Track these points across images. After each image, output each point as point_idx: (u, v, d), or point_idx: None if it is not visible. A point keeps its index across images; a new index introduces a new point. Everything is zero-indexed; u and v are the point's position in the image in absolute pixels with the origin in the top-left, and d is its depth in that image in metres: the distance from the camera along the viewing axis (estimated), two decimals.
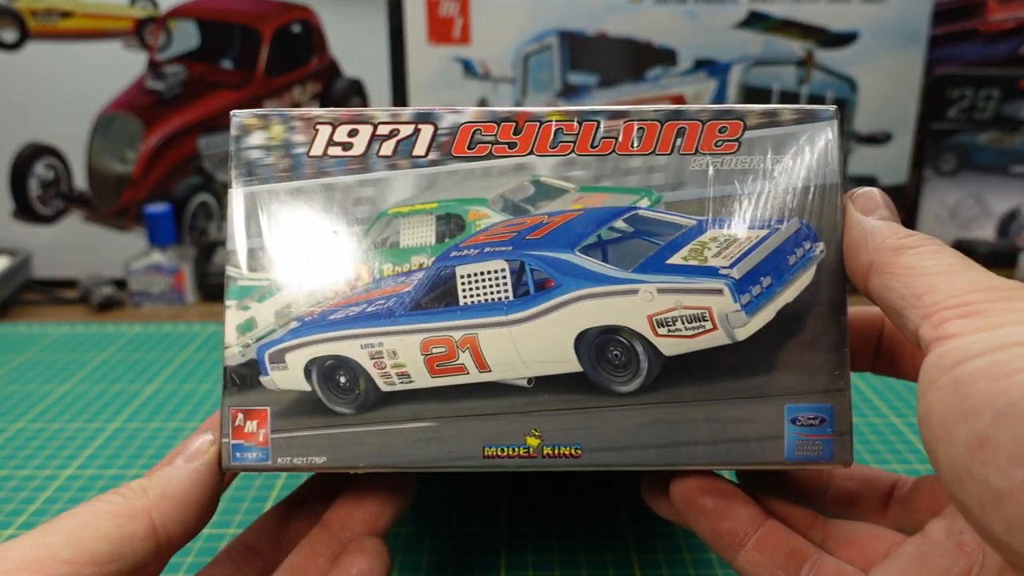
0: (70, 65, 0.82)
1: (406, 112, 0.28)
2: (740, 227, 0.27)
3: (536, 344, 0.27)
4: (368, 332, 0.28)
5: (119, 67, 0.82)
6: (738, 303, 0.26)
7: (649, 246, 0.27)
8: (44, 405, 0.56)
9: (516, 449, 0.27)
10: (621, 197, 0.27)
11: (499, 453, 0.27)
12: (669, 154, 0.27)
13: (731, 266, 0.26)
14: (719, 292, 0.26)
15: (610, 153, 0.27)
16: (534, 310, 0.27)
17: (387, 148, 0.28)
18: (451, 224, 0.28)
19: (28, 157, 0.84)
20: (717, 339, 0.26)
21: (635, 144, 0.27)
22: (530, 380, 0.27)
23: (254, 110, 0.29)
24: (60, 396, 0.58)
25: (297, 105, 0.85)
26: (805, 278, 0.26)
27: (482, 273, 0.27)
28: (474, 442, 0.27)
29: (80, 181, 0.85)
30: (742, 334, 0.26)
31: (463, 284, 0.28)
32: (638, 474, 0.31)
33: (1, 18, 0.80)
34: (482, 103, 0.84)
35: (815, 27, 0.81)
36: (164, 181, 0.85)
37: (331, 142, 0.28)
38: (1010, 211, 0.88)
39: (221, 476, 0.28)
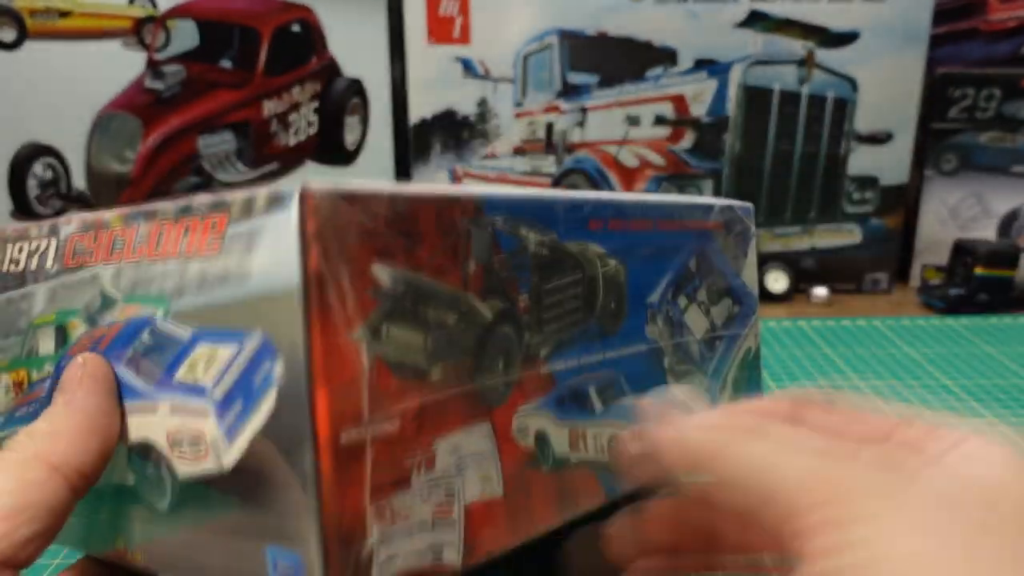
0: (69, 65, 0.82)
1: (46, 225, 0.29)
2: (221, 341, 0.23)
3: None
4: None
5: (118, 67, 0.82)
6: (221, 427, 0.23)
7: (164, 360, 0.25)
8: None
9: (111, 548, 0.27)
10: (145, 307, 0.26)
11: (103, 549, 0.28)
12: (177, 257, 0.25)
13: (215, 386, 0.23)
14: (206, 415, 0.23)
15: (141, 259, 0.26)
16: None
17: (34, 263, 0.30)
18: (62, 334, 0.29)
19: (27, 157, 0.84)
20: (211, 465, 0.23)
21: (157, 248, 0.25)
22: (113, 487, 0.27)
23: None
24: None
25: (297, 105, 0.85)
26: (270, 403, 0.22)
27: None
28: (97, 534, 0.28)
29: (79, 181, 0.85)
30: (227, 462, 0.23)
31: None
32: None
33: None
34: (482, 103, 0.83)
35: (816, 26, 0.81)
36: (163, 181, 0.85)
37: (10, 259, 0.30)
38: (1011, 211, 0.88)
39: (111, 386, 0.26)
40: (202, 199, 0.24)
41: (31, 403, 0.29)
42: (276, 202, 0.22)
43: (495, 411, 0.26)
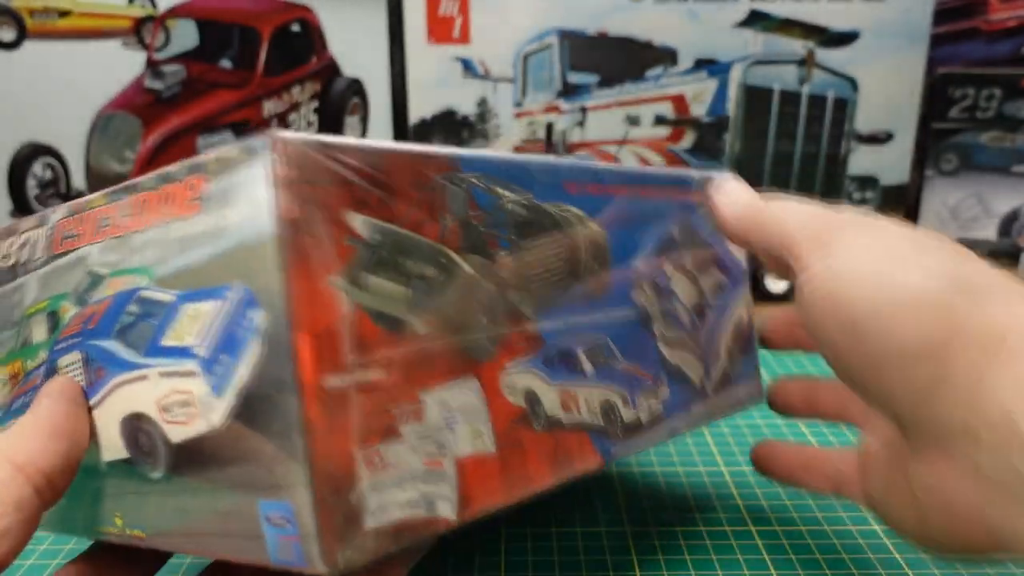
0: (68, 64, 0.82)
1: (35, 217, 0.30)
2: (204, 299, 0.23)
3: (101, 432, 0.27)
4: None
5: (118, 66, 0.82)
6: (209, 384, 0.23)
7: (151, 327, 0.25)
8: None
9: (110, 528, 0.28)
10: (132, 279, 0.26)
11: (103, 531, 0.28)
12: (159, 224, 0.25)
13: (200, 344, 0.23)
14: (194, 374, 0.23)
15: (126, 233, 0.26)
16: (93, 400, 0.27)
17: (24, 255, 0.30)
18: (54, 319, 0.29)
19: (26, 157, 0.84)
20: (203, 425, 0.24)
21: (140, 219, 0.25)
22: (107, 465, 0.27)
23: None
24: None
25: (296, 104, 0.85)
26: (254, 352, 0.22)
27: (70, 365, 0.28)
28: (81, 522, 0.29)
29: (79, 181, 0.85)
30: (216, 419, 0.23)
31: (64, 375, 0.28)
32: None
33: None
34: (482, 103, 0.83)
35: (816, 26, 0.81)
36: None
37: (1, 256, 0.31)
38: (1012, 211, 0.88)
39: (77, 397, 0.27)
40: (181, 164, 0.24)
41: (27, 393, 0.29)
42: (249, 154, 0.22)
43: (482, 367, 0.26)
